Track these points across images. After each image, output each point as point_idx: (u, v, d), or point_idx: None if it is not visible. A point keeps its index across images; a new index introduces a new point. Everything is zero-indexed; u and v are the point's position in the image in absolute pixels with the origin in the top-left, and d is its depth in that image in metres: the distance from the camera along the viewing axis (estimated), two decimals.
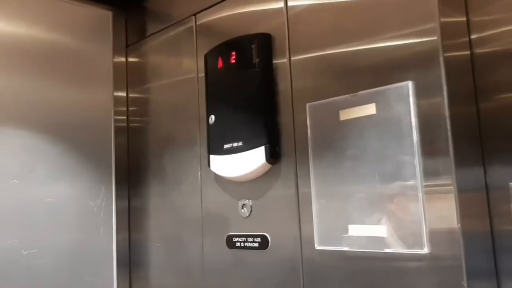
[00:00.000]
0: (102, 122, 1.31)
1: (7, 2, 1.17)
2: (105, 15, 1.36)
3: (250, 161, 0.96)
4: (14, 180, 1.13)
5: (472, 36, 0.82)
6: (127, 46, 1.41)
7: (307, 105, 0.90)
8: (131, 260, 1.30)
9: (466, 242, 0.70)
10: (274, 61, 0.98)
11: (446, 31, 0.76)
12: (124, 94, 1.38)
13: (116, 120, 1.34)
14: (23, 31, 1.20)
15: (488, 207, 0.78)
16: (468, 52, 0.82)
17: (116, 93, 1.36)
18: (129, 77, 1.39)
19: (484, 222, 0.77)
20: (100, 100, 1.32)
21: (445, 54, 0.74)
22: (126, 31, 1.41)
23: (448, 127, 0.72)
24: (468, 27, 0.82)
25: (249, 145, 0.97)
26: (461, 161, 0.72)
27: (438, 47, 0.74)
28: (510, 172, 0.77)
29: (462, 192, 0.72)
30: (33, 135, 1.17)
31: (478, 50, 0.81)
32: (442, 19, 0.75)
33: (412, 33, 0.78)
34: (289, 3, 0.97)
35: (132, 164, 1.33)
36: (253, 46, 0.99)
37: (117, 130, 1.34)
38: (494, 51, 0.80)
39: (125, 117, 1.37)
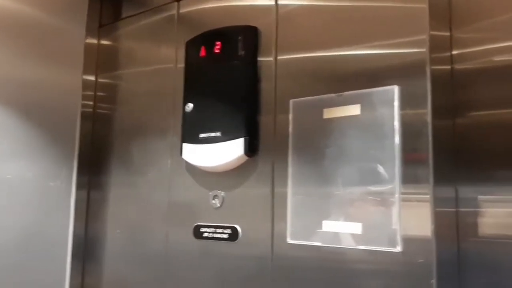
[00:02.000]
0: (69, 104, 1.28)
1: None
2: None
3: (227, 152, 0.97)
4: None
5: (454, 52, 0.87)
6: (100, 26, 1.38)
7: (291, 101, 0.92)
8: (87, 246, 1.27)
9: (437, 246, 0.74)
10: (259, 58, 0.99)
11: (434, 44, 0.80)
12: (93, 79, 1.35)
13: (83, 105, 1.30)
14: None
15: (457, 218, 0.83)
16: (449, 67, 0.86)
17: (85, 77, 1.32)
18: (100, 61, 1.36)
19: (453, 231, 0.82)
20: (68, 81, 1.29)
21: (432, 67, 0.78)
22: (101, 10, 1.38)
23: (430, 136, 0.76)
24: (451, 43, 0.87)
25: (227, 136, 0.98)
26: (438, 170, 0.76)
27: (426, 58, 0.78)
28: (479, 187, 0.82)
29: (437, 199, 0.76)
30: None
31: (458, 66, 0.86)
32: (432, 32, 0.79)
33: (401, 43, 0.82)
34: (280, 1, 0.98)
35: (96, 150, 1.31)
36: (239, 37, 1.00)
37: (84, 115, 1.30)
38: (472, 68, 0.85)
39: (92, 103, 1.34)
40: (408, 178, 0.77)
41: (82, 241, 1.27)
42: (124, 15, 1.33)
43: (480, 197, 0.82)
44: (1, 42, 1.15)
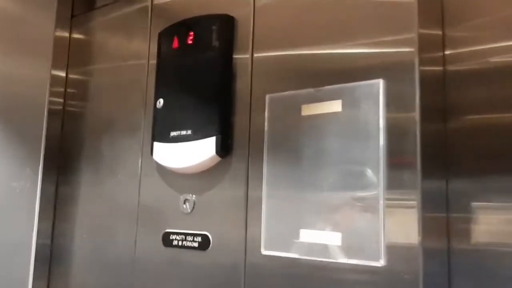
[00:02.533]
0: (36, 100, 1.19)
1: None
2: None
3: (199, 151, 0.89)
4: None
5: (446, 52, 0.78)
6: (72, 16, 1.29)
7: (267, 96, 0.84)
8: (52, 252, 1.18)
9: (424, 259, 0.67)
10: (235, 53, 0.91)
11: (423, 43, 0.72)
12: (63, 74, 1.26)
13: (51, 102, 1.21)
14: None
15: (447, 226, 0.75)
16: (441, 68, 0.78)
17: (54, 72, 1.23)
18: (71, 55, 1.27)
19: (442, 240, 0.74)
20: (36, 76, 1.20)
21: (421, 67, 0.70)
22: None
23: (418, 137, 0.68)
24: (443, 42, 0.79)
25: (199, 134, 0.90)
26: (427, 175, 0.69)
27: (414, 58, 0.70)
28: (472, 192, 0.74)
29: (425, 207, 0.68)
30: None
31: (451, 67, 0.78)
32: (421, 31, 0.71)
33: (388, 41, 0.74)
34: None
35: (65, 149, 1.22)
36: (214, 27, 0.92)
37: (51, 112, 1.21)
38: (466, 70, 0.77)
39: (61, 100, 1.25)
40: (394, 183, 0.69)
41: (48, 245, 1.18)
42: (98, 4, 1.25)
43: (473, 203, 0.74)
44: None
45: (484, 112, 0.75)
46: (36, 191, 1.16)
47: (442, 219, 0.74)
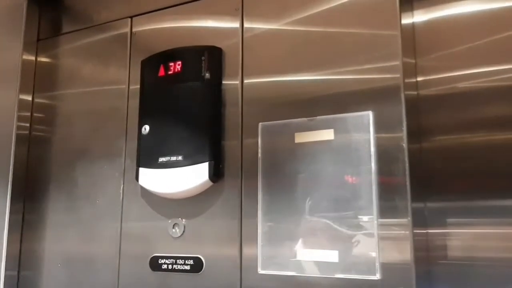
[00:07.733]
0: (2, 126, 1.17)
1: None
2: (18, 2, 1.23)
3: (190, 177, 0.94)
4: None
5: (419, 79, 0.90)
6: (38, 40, 1.28)
7: (260, 124, 0.91)
8: (21, 283, 1.15)
9: (416, 269, 0.75)
10: (224, 81, 0.98)
11: (405, 70, 0.82)
12: (30, 99, 1.25)
13: (18, 127, 1.20)
14: None
15: (427, 241, 0.85)
16: (416, 93, 0.89)
17: (21, 96, 1.22)
18: (37, 79, 1.27)
19: (425, 255, 0.84)
20: (3, 101, 1.17)
21: (406, 92, 0.80)
22: (39, 23, 1.29)
23: (406, 160, 0.77)
24: (416, 70, 0.90)
25: (190, 160, 0.94)
26: (414, 194, 0.78)
27: (400, 84, 0.80)
28: (446, 209, 0.85)
29: (414, 224, 0.77)
30: None
31: (422, 92, 0.89)
32: (404, 59, 0.82)
33: (374, 69, 0.84)
34: (246, 25, 0.97)
35: (33, 175, 1.21)
36: (203, 58, 0.97)
37: (19, 138, 1.20)
38: (435, 95, 0.88)
39: (28, 124, 1.24)
40: (386, 203, 0.78)
41: (16, 271, 1.15)
42: (65, 29, 1.26)
43: (448, 219, 0.84)
44: None
45: (452, 132, 0.87)
46: (4, 219, 1.13)
47: (424, 235, 0.84)
